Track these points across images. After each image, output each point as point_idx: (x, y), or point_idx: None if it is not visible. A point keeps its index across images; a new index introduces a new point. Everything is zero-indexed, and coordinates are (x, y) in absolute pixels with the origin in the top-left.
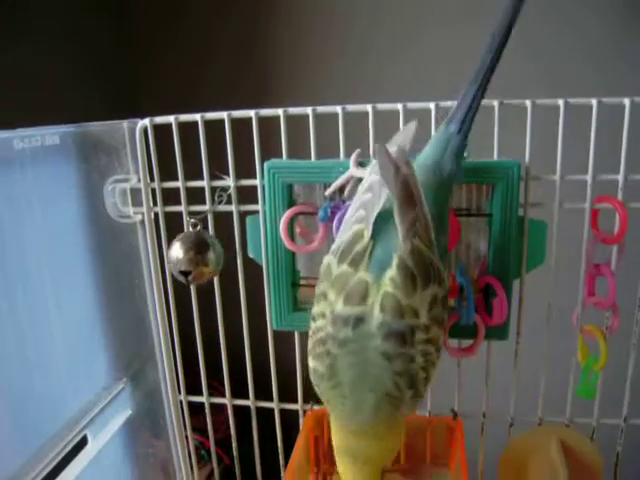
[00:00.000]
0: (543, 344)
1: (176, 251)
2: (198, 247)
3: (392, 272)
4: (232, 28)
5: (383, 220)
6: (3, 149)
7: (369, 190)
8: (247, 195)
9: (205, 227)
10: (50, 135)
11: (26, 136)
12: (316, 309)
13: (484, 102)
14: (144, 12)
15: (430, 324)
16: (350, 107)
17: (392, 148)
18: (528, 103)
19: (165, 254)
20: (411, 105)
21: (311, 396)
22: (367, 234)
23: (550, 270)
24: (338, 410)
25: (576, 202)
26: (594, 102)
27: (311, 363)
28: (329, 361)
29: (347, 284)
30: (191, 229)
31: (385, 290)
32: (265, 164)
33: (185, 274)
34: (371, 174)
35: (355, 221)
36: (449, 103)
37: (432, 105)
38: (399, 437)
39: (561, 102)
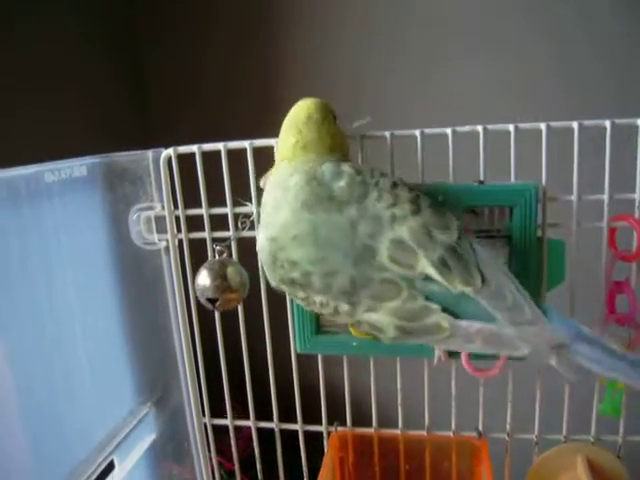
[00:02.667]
0: None
1: (203, 279)
2: (224, 275)
3: None
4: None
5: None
6: (34, 182)
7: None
8: None
9: (229, 253)
10: (78, 167)
11: (56, 169)
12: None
13: (499, 127)
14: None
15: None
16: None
17: None
18: (543, 126)
19: (190, 279)
20: (428, 131)
21: (335, 417)
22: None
23: (571, 288)
24: None
25: (593, 221)
26: (608, 124)
27: None
28: None
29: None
30: (217, 256)
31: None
32: None
33: (212, 301)
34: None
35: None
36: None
37: (449, 131)
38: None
39: (575, 124)
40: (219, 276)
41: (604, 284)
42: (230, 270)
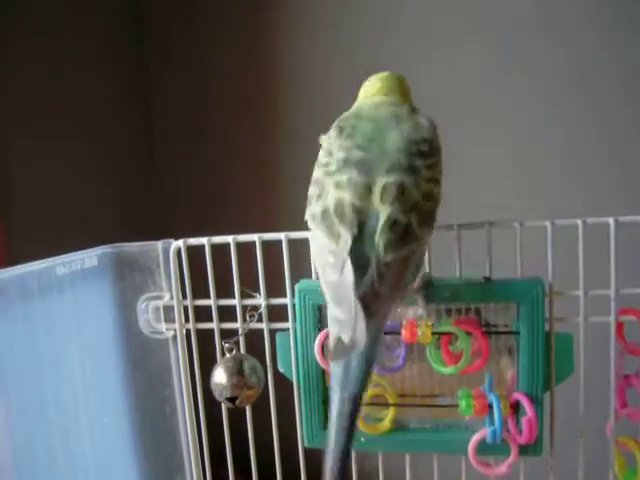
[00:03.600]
0: (578, 457)
1: (219, 377)
2: (241, 372)
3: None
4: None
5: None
6: (46, 276)
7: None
8: (277, 312)
9: (238, 347)
10: (89, 257)
11: (68, 262)
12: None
13: (504, 223)
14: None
15: None
16: None
17: None
18: (547, 224)
19: (197, 369)
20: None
21: None
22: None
23: (580, 382)
24: None
25: (600, 315)
26: (611, 221)
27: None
28: None
29: None
30: (227, 354)
31: None
32: (297, 285)
33: (231, 400)
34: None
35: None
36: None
37: (455, 226)
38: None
39: (579, 222)
40: (236, 373)
41: (613, 378)
42: (246, 366)
